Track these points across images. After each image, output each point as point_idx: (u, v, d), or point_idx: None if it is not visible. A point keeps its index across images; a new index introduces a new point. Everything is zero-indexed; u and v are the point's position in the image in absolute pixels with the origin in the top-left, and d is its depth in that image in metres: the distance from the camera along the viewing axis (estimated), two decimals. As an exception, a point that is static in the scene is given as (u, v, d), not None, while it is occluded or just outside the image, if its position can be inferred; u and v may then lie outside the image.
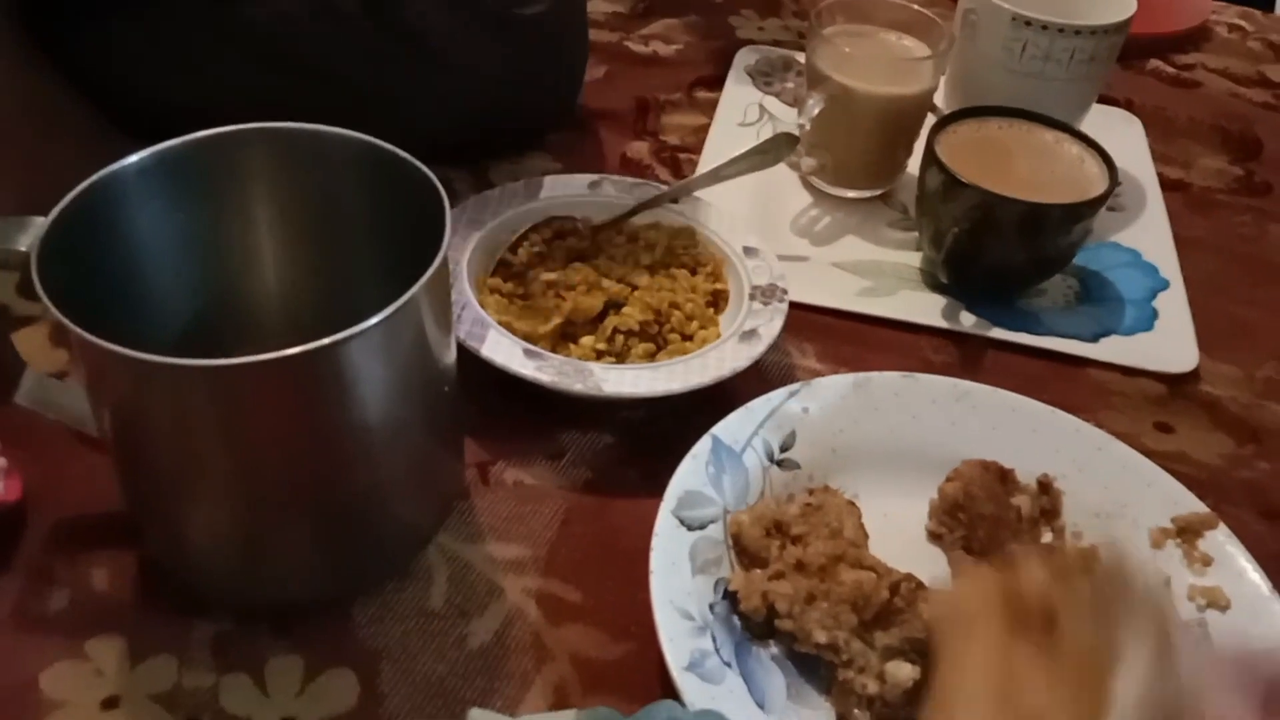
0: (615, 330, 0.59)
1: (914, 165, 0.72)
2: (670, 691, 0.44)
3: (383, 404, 0.43)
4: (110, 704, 0.44)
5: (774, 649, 0.48)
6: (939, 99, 0.77)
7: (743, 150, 0.68)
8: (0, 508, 0.49)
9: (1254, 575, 0.50)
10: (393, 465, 0.46)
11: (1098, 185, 0.66)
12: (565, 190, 0.67)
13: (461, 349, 0.54)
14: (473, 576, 0.50)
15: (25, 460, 0.51)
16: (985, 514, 0.52)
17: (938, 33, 0.73)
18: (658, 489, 0.51)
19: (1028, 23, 0.71)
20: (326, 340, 0.39)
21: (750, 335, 0.58)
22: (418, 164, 0.46)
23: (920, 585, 0.48)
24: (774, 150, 0.68)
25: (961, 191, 0.64)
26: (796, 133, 0.69)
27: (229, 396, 0.40)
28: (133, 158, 0.45)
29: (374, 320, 0.40)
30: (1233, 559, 0.51)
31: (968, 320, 0.67)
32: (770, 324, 0.59)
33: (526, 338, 0.58)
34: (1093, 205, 0.64)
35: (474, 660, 0.47)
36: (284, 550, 0.46)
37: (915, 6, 0.75)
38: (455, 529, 0.52)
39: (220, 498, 0.44)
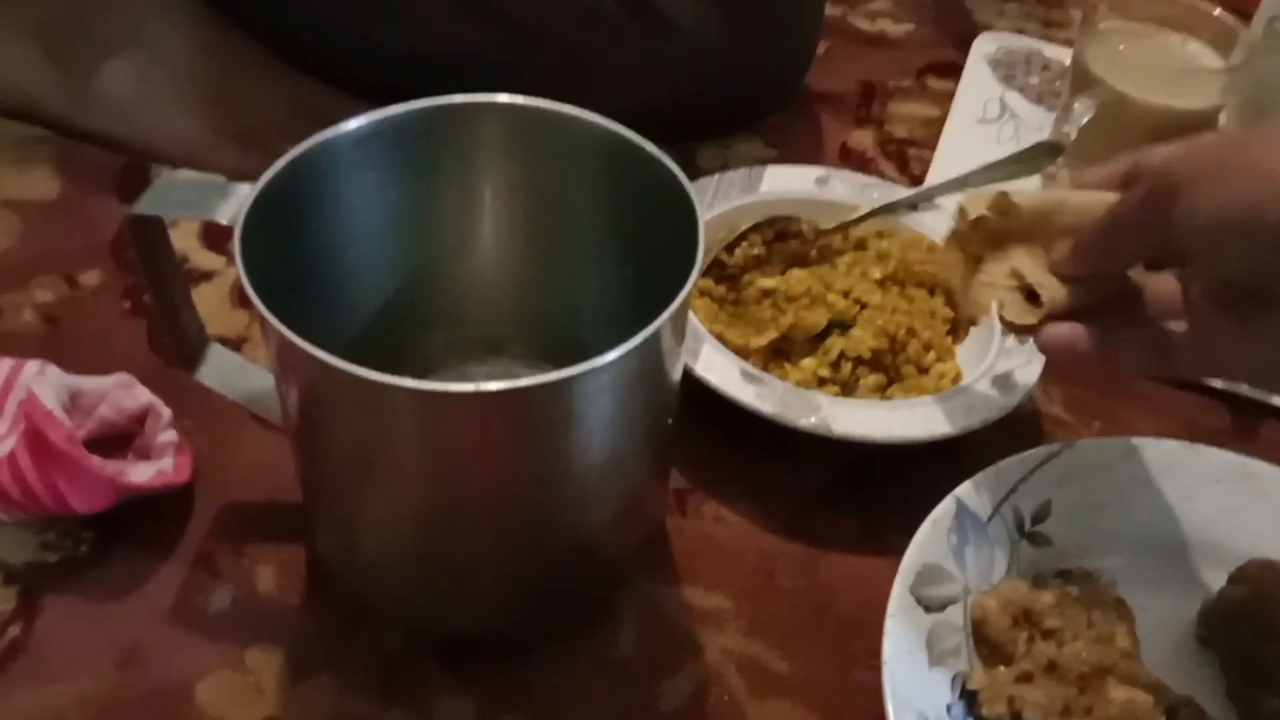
0: (842, 355, 0.52)
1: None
2: (890, 798, 0.38)
3: (602, 440, 0.37)
4: (269, 724, 0.40)
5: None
6: (1224, 119, 0.67)
7: (999, 157, 0.59)
8: (168, 488, 0.44)
9: None
10: (602, 504, 0.40)
11: None
12: (789, 185, 0.60)
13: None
14: (667, 627, 0.44)
15: (196, 434, 0.47)
16: (1275, 629, 0.44)
17: (1232, 40, 0.63)
18: (877, 547, 0.45)
19: (1351, 36, 0.61)
20: (555, 376, 0.33)
21: (1004, 381, 0.50)
22: (664, 159, 0.39)
23: (1202, 712, 0.40)
24: (1034, 160, 0.60)
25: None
26: (1062, 141, 0.60)
27: (435, 421, 0.34)
28: (348, 125, 0.39)
29: (614, 355, 0.33)
30: None
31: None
32: (1028, 368, 0.51)
33: (737, 351, 0.51)
34: None
35: (660, 726, 0.41)
36: (467, 576, 0.41)
37: (1207, 6, 0.65)
38: (650, 569, 0.46)
39: (405, 513, 0.39)
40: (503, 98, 0.41)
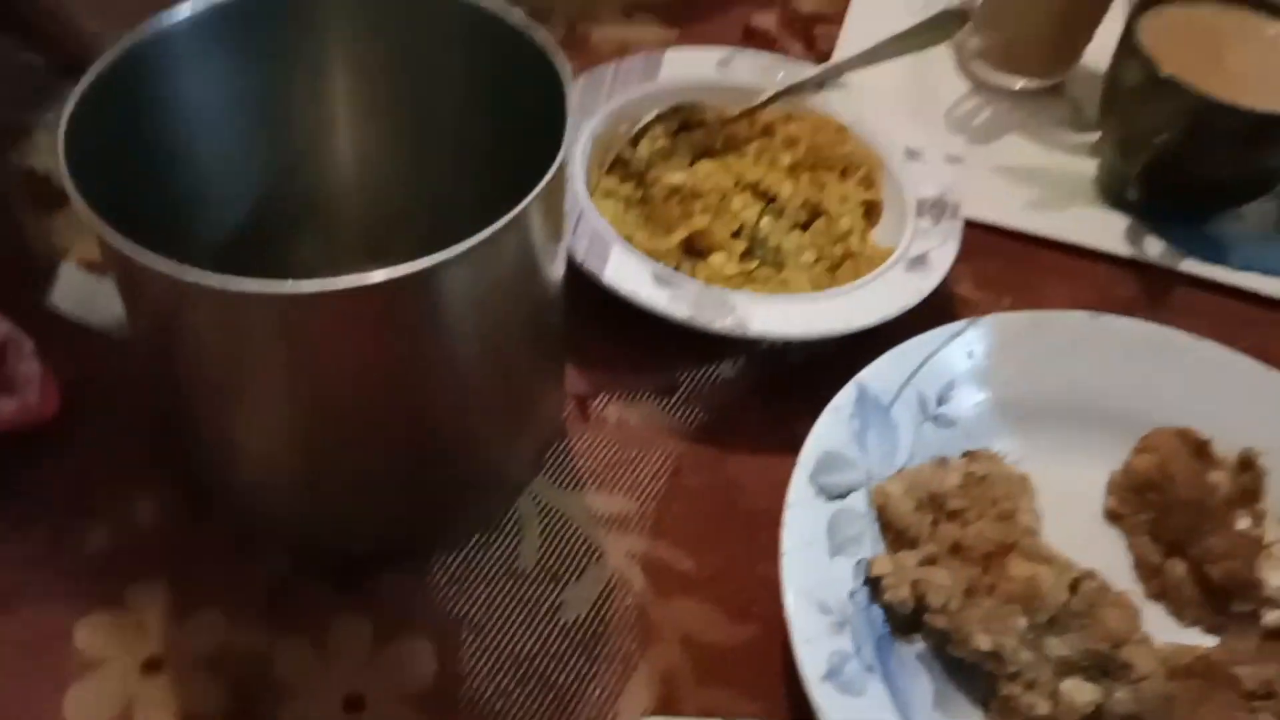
0: (752, 247, 0.50)
1: (1092, 53, 0.61)
2: (796, 690, 0.37)
3: (478, 335, 0.36)
4: (152, 666, 0.38)
5: (919, 646, 0.41)
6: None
7: (904, 27, 0.57)
8: (34, 423, 0.42)
9: None
10: (486, 403, 0.38)
11: (1336, 91, 0.54)
12: (690, 69, 0.57)
13: (571, 265, 0.46)
14: (569, 533, 0.43)
15: (64, 365, 0.44)
16: (1183, 499, 0.44)
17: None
18: (786, 439, 0.43)
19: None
20: (413, 267, 0.31)
21: (920, 262, 0.49)
22: (533, 32, 0.36)
23: (1105, 585, 0.40)
24: (939, 29, 0.58)
25: (1167, 91, 0.53)
26: (967, 6, 0.58)
27: (293, 323, 0.32)
28: (183, 9, 0.36)
29: (472, 242, 0.31)
30: None
31: (1154, 248, 0.56)
32: (943, 249, 0.49)
33: (649, 253, 0.49)
34: (1331, 117, 0.52)
35: (569, 636, 0.40)
36: (353, 492, 0.39)
37: None
38: (550, 474, 0.45)
39: (280, 428, 0.37)
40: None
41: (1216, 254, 0.57)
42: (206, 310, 0.32)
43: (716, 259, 0.49)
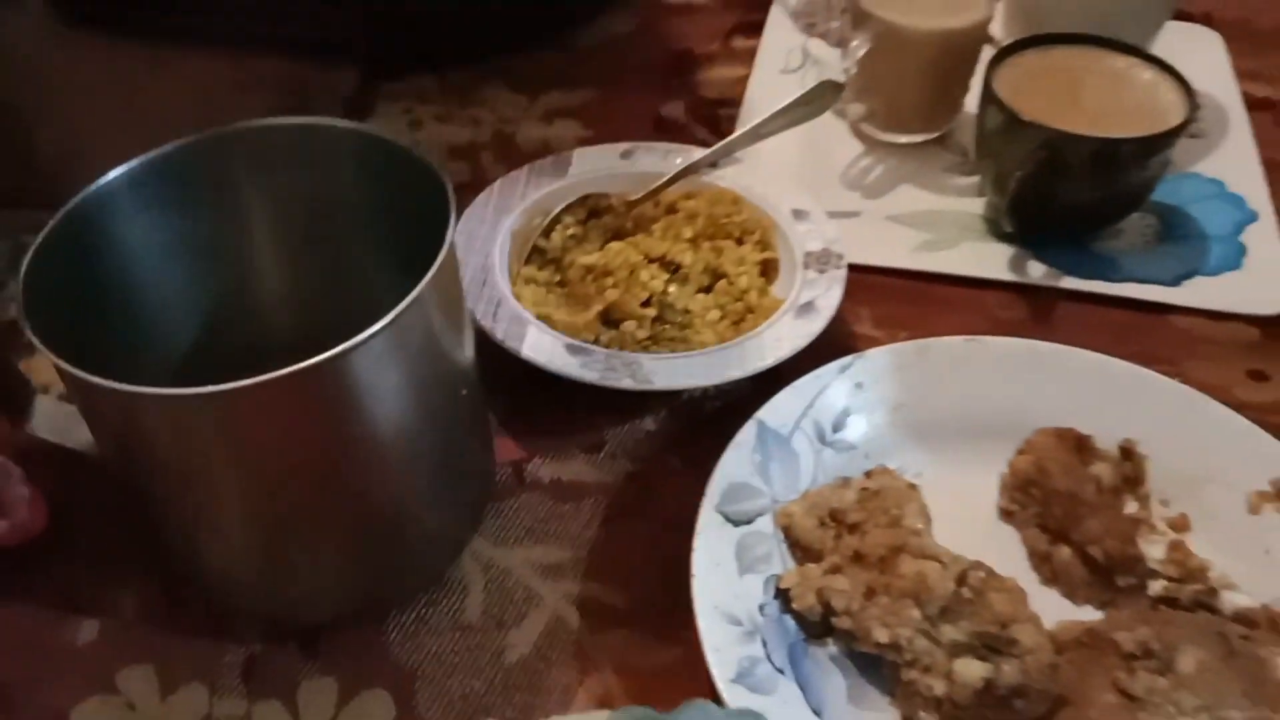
0: (662, 313, 0.56)
1: (972, 103, 0.67)
2: (717, 697, 0.41)
3: (396, 412, 0.41)
4: (142, 738, 0.43)
5: (832, 648, 0.45)
6: (997, 29, 0.71)
7: (784, 103, 0.63)
8: (26, 538, 0.47)
9: (1368, 541, 0.45)
10: (414, 474, 0.44)
11: (1174, 113, 0.60)
12: (596, 163, 0.63)
13: (499, 345, 0.51)
14: (510, 584, 0.48)
15: (50, 485, 0.50)
16: (1061, 489, 0.48)
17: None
18: (703, 479, 0.48)
19: (1089, -63, 0.65)
20: (327, 355, 0.36)
21: (808, 309, 0.54)
22: (416, 152, 0.42)
23: (991, 573, 0.44)
24: (818, 100, 0.63)
25: (1023, 130, 0.58)
26: (841, 79, 0.64)
27: (229, 420, 0.38)
28: (120, 170, 0.42)
29: (377, 328, 0.37)
30: (1343, 524, 0.46)
31: (1036, 271, 0.61)
32: (828, 295, 0.54)
33: (568, 329, 0.54)
34: (1169, 136, 0.58)
35: (513, 674, 0.45)
36: (308, 567, 0.44)
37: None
38: (491, 534, 0.50)
39: (235, 519, 0.42)
40: (258, 123, 0.44)
41: (1100, 270, 0.62)
42: (151, 418, 0.38)
43: (628, 326, 0.55)
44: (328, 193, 0.46)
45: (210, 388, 0.35)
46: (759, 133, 0.63)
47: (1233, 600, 0.46)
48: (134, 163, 0.43)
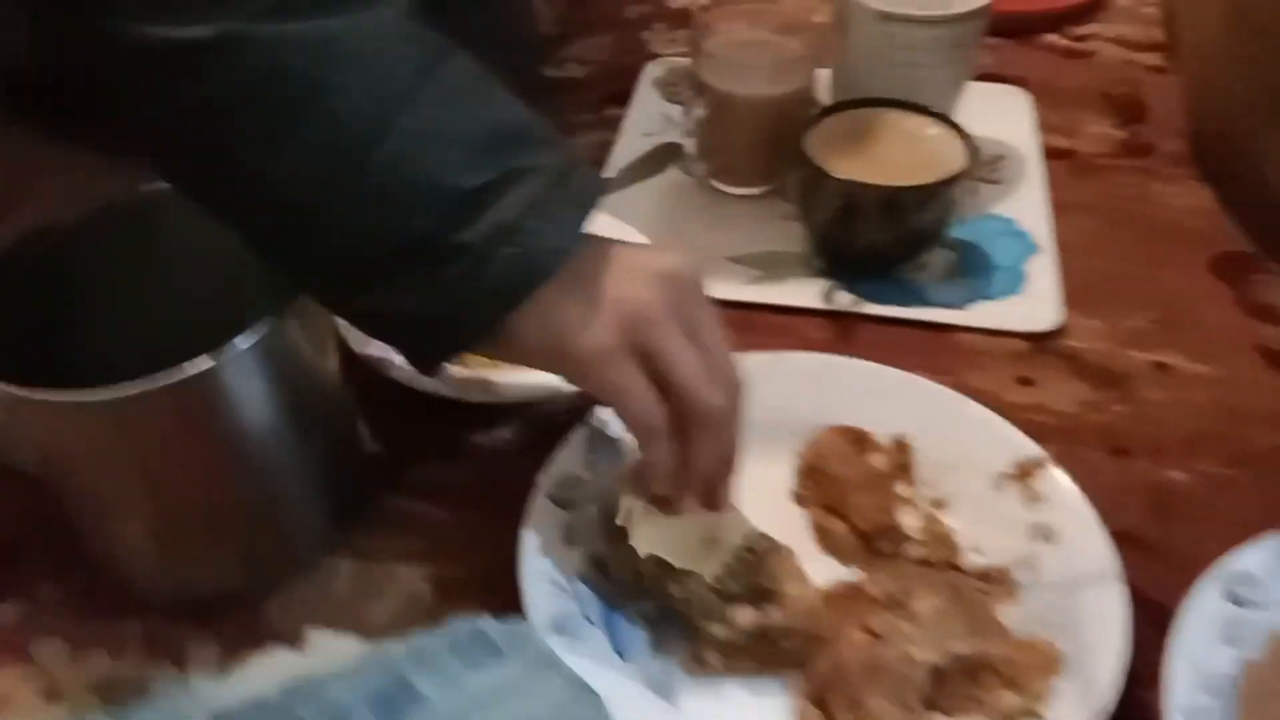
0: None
1: (801, 159, 0.77)
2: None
3: (269, 419, 0.50)
4: (52, 695, 0.51)
5: (639, 608, 0.54)
6: (822, 94, 0.82)
7: (630, 162, 0.73)
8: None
9: (1082, 507, 0.55)
10: (287, 473, 0.52)
11: (956, 164, 0.71)
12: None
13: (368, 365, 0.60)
14: (376, 566, 0.56)
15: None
16: (836, 474, 0.58)
17: (815, 33, 0.79)
18: (546, 475, 0.57)
19: (890, 17, 0.76)
20: (200, 365, 0.45)
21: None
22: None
23: (771, 541, 0.54)
24: (658, 161, 0.74)
25: (824, 181, 0.69)
26: (681, 141, 0.75)
27: (114, 423, 0.46)
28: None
29: (242, 344, 0.46)
30: (1064, 494, 0.56)
31: (844, 299, 0.72)
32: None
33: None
34: (947, 183, 0.69)
35: (373, 638, 0.53)
36: (198, 553, 0.53)
37: (806, 13, 0.80)
38: (362, 529, 0.58)
39: (131, 507, 0.51)
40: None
41: (900, 298, 0.72)
42: (46, 420, 0.46)
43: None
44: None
45: (100, 392, 0.44)
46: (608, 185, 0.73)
47: (975, 561, 0.56)
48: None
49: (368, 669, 0.34)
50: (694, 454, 0.50)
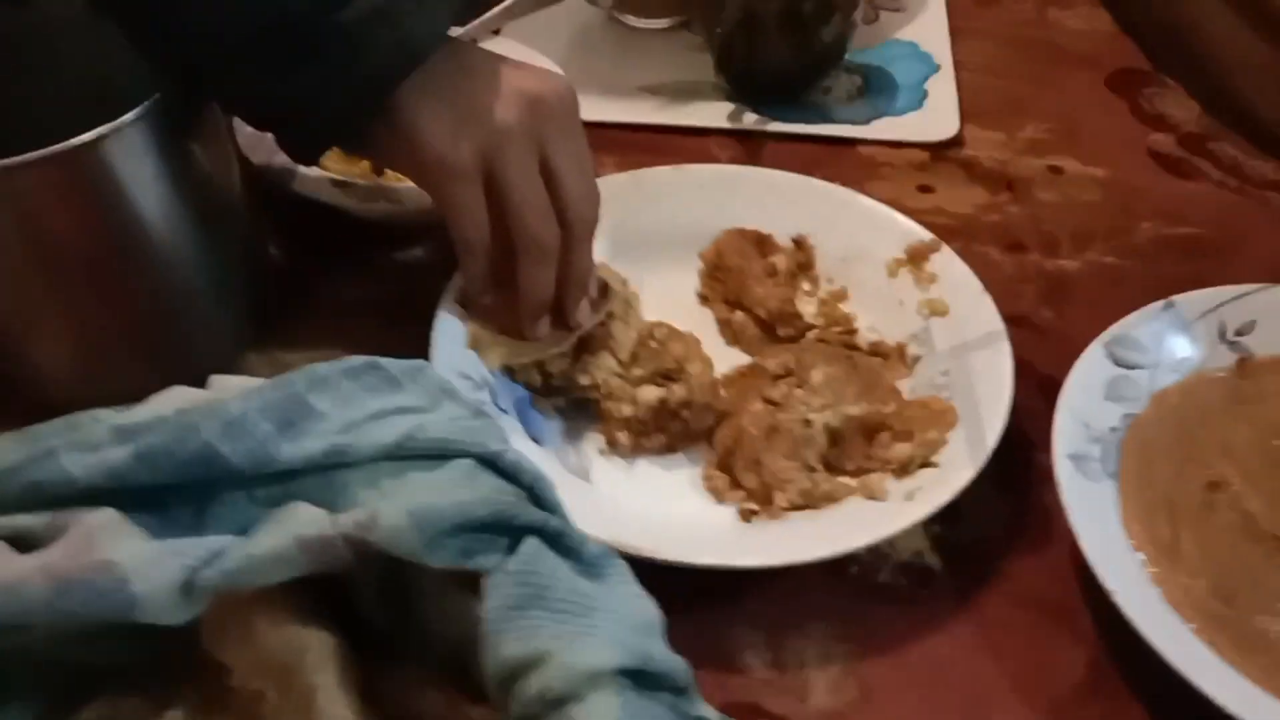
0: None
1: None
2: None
3: (160, 206, 0.49)
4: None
5: (557, 401, 0.56)
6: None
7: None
8: None
9: (970, 281, 0.57)
10: (184, 270, 0.52)
11: (851, -21, 0.72)
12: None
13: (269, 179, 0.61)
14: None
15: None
16: (734, 267, 0.59)
17: None
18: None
19: None
20: (85, 138, 0.44)
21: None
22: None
23: (673, 330, 0.56)
24: (558, -12, 0.74)
25: (726, -4, 0.70)
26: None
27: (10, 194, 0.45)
28: None
29: (123, 119, 0.45)
30: (953, 274, 0.58)
31: (750, 119, 0.73)
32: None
33: (344, 174, 0.64)
34: (845, -5, 0.70)
35: (292, 438, 0.55)
36: (104, 356, 0.53)
37: None
38: (275, 336, 0.58)
39: (26, 309, 0.50)
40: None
41: (805, 117, 0.73)
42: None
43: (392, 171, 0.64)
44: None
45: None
46: (512, 12, 0.73)
47: (869, 338, 0.58)
48: None
49: (264, 389, 0.35)
50: (522, 280, 0.52)
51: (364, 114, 0.47)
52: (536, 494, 0.35)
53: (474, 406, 0.38)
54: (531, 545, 0.32)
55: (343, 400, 0.36)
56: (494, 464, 0.35)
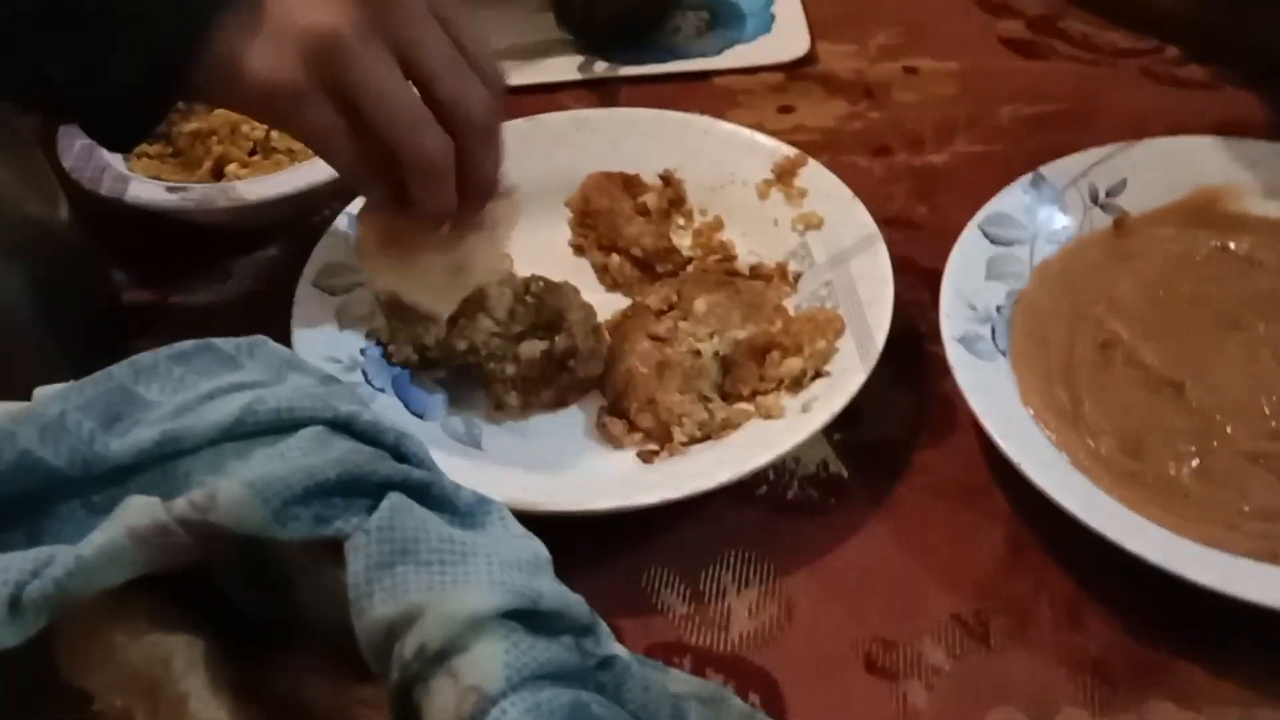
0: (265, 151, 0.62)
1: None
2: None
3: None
4: None
5: (437, 373, 0.53)
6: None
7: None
8: None
9: (840, 190, 0.56)
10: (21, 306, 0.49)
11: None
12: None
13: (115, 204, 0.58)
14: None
15: None
16: (602, 209, 0.58)
17: None
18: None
19: None
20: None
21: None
22: None
23: (549, 282, 0.53)
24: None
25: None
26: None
27: None
28: None
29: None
30: (822, 185, 0.57)
31: (600, 67, 0.71)
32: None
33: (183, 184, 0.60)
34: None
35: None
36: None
37: None
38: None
39: None
40: None
41: (656, 58, 0.72)
42: None
43: (231, 169, 0.61)
44: None
45: None
46: None
47: (749, 262, 0.57)
48: None
49: (83, 386, 0.32)
50: (415, 197, 0.46)
51: (186, 62, 0.42)
52: (402, 452, 0.33)
53: (321, 374, 0.35)
54: (393, 500, 0.30)
55: (174, 386, 0.33)
56: (348, 427, 0.32)
